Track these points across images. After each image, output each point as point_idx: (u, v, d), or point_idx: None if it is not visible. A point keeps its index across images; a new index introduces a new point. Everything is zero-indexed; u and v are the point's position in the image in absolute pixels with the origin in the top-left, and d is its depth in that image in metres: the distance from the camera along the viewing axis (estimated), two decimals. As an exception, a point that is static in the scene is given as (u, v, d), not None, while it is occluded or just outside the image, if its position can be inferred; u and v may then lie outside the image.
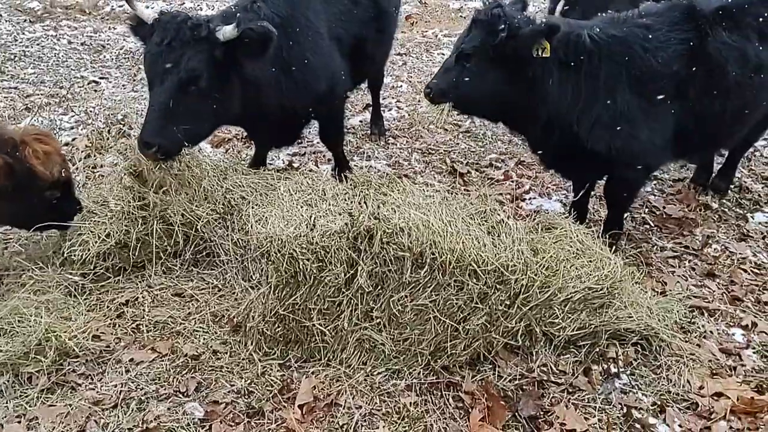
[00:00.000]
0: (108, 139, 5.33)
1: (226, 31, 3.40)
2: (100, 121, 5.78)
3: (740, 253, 4.39)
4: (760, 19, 3.86)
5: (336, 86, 4.24)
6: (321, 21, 4.07)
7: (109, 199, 3.76)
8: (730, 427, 3.01)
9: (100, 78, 7.15)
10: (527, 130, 4.05)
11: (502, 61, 3.55)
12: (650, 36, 3.71)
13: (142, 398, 2.99)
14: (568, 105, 3.69)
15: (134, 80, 7.13)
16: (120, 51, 8.06)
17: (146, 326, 3.40)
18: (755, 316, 3.75)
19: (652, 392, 3.19)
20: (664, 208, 4.94)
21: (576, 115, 3.73)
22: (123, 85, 6.98)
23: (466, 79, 3.62)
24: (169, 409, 2.94)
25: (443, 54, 8.56)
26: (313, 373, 3.19)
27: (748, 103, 3.96)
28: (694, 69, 3.72)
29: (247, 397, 3.04)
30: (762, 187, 5.31)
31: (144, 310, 3.50)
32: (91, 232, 3.64)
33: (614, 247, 3.84)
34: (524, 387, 3.17)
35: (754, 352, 3.50)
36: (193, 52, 3.37)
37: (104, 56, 7.91)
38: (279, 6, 3.86)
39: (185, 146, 3.57)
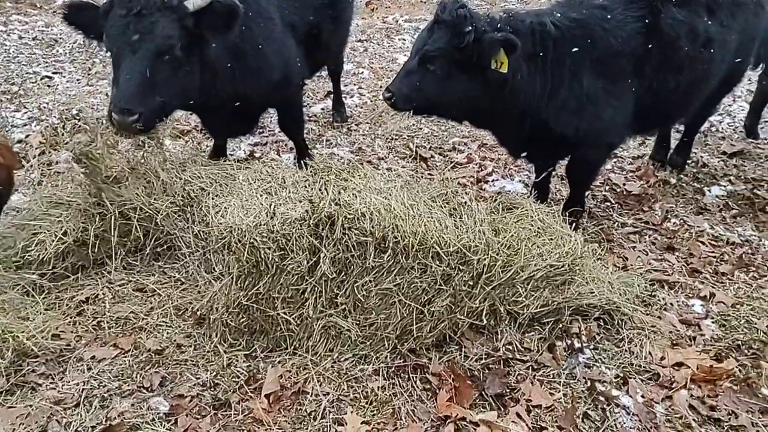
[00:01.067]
0: (63, 135, 5.20)
1: (196, 1, 3.32)
2: (54, 116, 5.64)
3: (698, 227, 4.48)
4: None
5: (291, 74, 4.19)
6: (272, 7, 4.01)
7: (65, 197, 3.67)
8: (691, 395, 3.07)
9: (53, 73, 6.96)
10: (495, 126, 4.02)
11: (468, 63, 3.44)
12: (608, 16, 3.74)
13: (105, 395, 2.94)
14: (538, 95, 3.67)
15: (89, 74, 6.97)
16: (73, 45, 7.84)
17: (108, 323, 3.34)
18: (713, 287, 3.83)
19: (615, 365, 3.25)
20: (624, 185, 5.02)
21: (545, 102, 3.72)
22: (77, 80, 6.81)
23: (431, 82, 3.51)
24: (133, 405, 2.90)
25: (404, 39, 8.54)
26: (279, 362, 3.17)
27: (701, 78, 4.02)
28: (649, 46, 3.76)
29: (213, 389, 3.01)
30: (718, 162, 5.42)
31: (105, 306, 3.43)
32: (48, 231, 3.55)
33: (575, 225, 3.89)
34: (490, 366, 3.19)
35: (712, 322, 3.58)
36: (166, 20, 3.27)
37: (57, 51, 7.70)
38: None
39: (162, 119, 3.45)
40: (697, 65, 3.91)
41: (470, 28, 3.35)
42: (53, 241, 3.53)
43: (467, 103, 3.64)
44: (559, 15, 3.67)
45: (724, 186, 5.04)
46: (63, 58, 7.47)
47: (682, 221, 4.56)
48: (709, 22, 3.88)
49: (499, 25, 3.49)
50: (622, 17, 3.75)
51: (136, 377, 3.04)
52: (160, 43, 3.26)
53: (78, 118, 5.46)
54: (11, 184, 3.51)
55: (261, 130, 5.72)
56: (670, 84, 3.89)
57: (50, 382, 3.01)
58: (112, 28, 3.31)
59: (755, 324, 3.53)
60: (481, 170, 5.21)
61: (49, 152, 4.98)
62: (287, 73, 4.13)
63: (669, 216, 4.59)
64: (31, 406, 2.86)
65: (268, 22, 3.95)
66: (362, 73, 7.33)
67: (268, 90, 4.04)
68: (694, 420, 2.95)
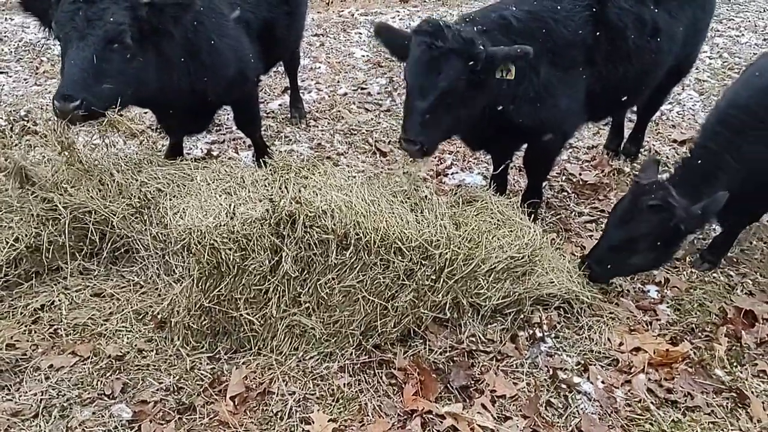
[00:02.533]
0: (11, 137, 5.02)
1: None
2: (2, 118, 5.45)
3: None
4: None
5: (245, 70, 4.13)
6: (225, 3, 3.95)
7: (13, 202, 3.56)
8: (649, 379, 3.17)
9: (-1, 72, 6.74)
10: (470, 125, 3.96)
11: (477, 80, 3.40)
12: (558, 7, 3.79)
13: (65, 405, 2.87)
14: (505, 90, 3.67)
15: (36, 73, 6.75)
16: (19, 43, 7.59)
17: (65, 330, 3.26)
18: (668, 273, 3.94)
19: (576, 353, 3.32)
20: (580, 174, 5.11)
21: (510, 96, 3.73)
22: (24, 80, 6.60)
23: (450, 114, 3.47)
24: (94, 413, 2.84)
25: (360, 33, 8.51)
26: (243, 363, 3.14)
27: (649, 67, 4.12)
28: (598, 35, 3.83)
29: (176, 393, 2.98)
30: (669, 149, 5.57)
31: (61, 313, 3.35)
32: (-2, 237, 3.45)
33: (534, 216, 3.94)
34: (454, 358, 3.23)
35: (667, 307, 3.69)
36: (117, 8, 3.23)
37: (2, 49, 7.44)
38: None
39: (110, 107, 3.36)
40: (645, 54, 4.00)
41: (481, 48, 3.32)
42: (4, 247, 3.42)
43: (473, 115, 3.66)
44: (515, 8, 3.71)
45: (676, 173, 5.17)
46: (8, 57, 7.22)
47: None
48: (657, 11, 3.97)
49: (484, 28, 3.49)
50: (570, 7, 3.81)
51: (97, 385, 2.98)
52: (110, 29, 3.21)
53: (27, 119, 5.29)
54: None
55: (218, 128, 5.64)
56: (620, 73, 3.97)
57: (6, 394, 2.92)
58: (62, 14, 3.24)
59: (708, 307, 3.66)
60: (440, 163, 5.24)
61: (-3, 155, 4.81)
62: (241, 69, 4.08)
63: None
64: (-14, 419, 2.78)
65: (219, 17, 3.90)
66: (319, 67, 7.28)
67: (223, 86, 3.99)
68: (652, 403, 3.04)
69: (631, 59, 3.96)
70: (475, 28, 3.46)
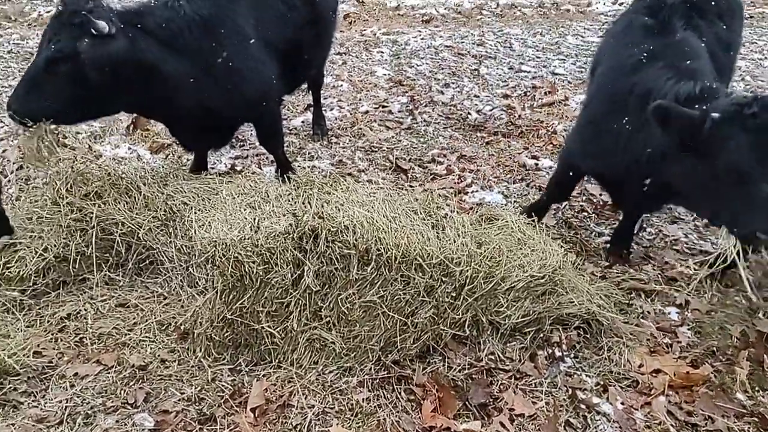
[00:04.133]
0: (42, 150, 5.15)
1: (99, 26, 3.40)
2: (33, 132, 5.57)
3: (673, 236, 4.58)
4: None
5: (268, 91, 4.22)
6: (250, 25, 4.04)
7: (44, 213, 3.65)
8: (669, 401, 3.15)
9: (30, 87, 6.89)
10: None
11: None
12: None
13: (89, 412, 2.92)
14: None
15: (66, 88, 6.90)
16: (50, 58, 7.78)
17: (90, 339, 3.32)
18: (688, 295, 3.92)
19: (595, 373, 3.31)
20: (600, 195, 5.11)
21: None
22: (55, 93, 6.74)
23: None
24: (117, 421, 2.89)
25: (382, 52, 8.61)
26: (264, 375, 3.18)
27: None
28: None
29: (198, 404, 3.01)
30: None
31: (87, 322, 3.41)
32: (28, 247, 3.53)
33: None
34: (473, 376, 3.24)
35: (688, 329, 3.66)
36: (64, 35, 3.41)
37: (33, 64, 7.62)
38: (202, 6, 3.82)
39: (44, 120, 3.57)
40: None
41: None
42: (34, 257, 3.51)
43: None
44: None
45: (697, 195, 5.16)
46: (39, 72, 7.39)
47: (657, 230, 4.67)
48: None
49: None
50: None
51: (120, 393, 3.03)
52: (50, 55, 3.41)
53: (57, 132, 5.41)
54: None
55: (242, 144, 5.73)
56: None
57: (32, 400, 2.98)
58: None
59: (729, 330, 3.63)
60: (461, 181, 5.27)
61: (27, 167, 4.93)
62: (263, 91, 4.16)
63: (644, 225, 4.69)
64: (13, 425, 2.83)
65: (243, 39, 3.99)
66: (341, 85, 7.37)
67: (242, 106, 4.09)
68: (672, 425, 3.01)
69: None
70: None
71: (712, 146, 3.09)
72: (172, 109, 3.92)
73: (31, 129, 3.62)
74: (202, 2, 3.84)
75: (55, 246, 3.55)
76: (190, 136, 4.36)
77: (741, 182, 3.06)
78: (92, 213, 3.58)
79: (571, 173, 4.26)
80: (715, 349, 3.50)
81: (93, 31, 3.37)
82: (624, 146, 3.61)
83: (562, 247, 3.59)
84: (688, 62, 3.56)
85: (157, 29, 3.65)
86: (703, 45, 3.79)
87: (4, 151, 5.19)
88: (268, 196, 3.39)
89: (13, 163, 4.94)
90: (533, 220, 3.71)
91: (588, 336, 3.51)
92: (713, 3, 4.11)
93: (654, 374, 3.30)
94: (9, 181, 4.65)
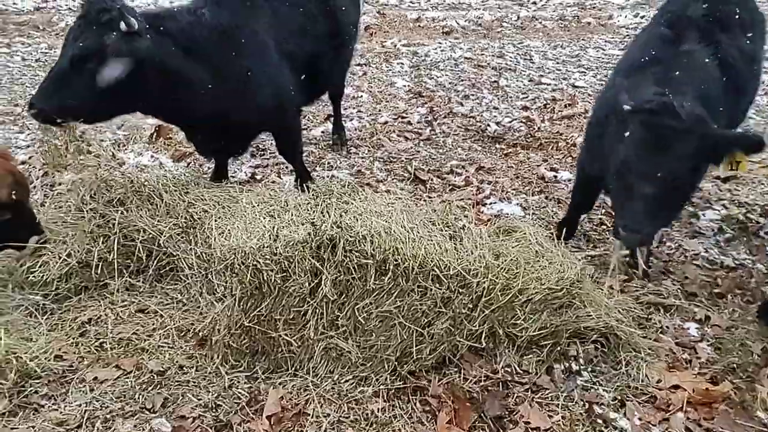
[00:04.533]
0: (66, 156, 5.25)
1: (131, 21, 3.43)
2: (57, 138, 5.68)
3: (693, 250, 4.54)
4: None
5: (284, 101, 4.26)
6: (269, 36, 4.09)
7: (68, 218, 3.72)
8: (687, 418, 3.11)
9: (56, 95, 7.02)
10: None
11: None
12: None
13: (108, 416, 2.96)
14: None
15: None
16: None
17: (110, 344, 3.36)
18: (708, 310, 3.88)
19: (613, 387, 3.28)
20: (620, 208, 5.07)
21: None
22: (80, 102, 6.87)
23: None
24: (135, 426, 2.92)
25: (402, 64, 8.67)
26: (280, 383, 3.19)
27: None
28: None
29: (214, 410, 3.03)
30: (712, 186, 5.50)
31: (107, 327, 3.46)
32: (51, 252, 3.59)
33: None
34: (489, 388, 3.23)
35: (708, 345, 3.62)
36: (90, 33, 3.43)
37: (60, 72, 7.77)
38: (222, 16, 3.89)
39: (69, 119, 3.64)
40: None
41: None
42: (57, 262, 3.58)
43: None
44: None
45: (718, 210, 5.12)
46: (65, 80, 7.54)
47: (677, 245, 4.62)
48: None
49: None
50: None
51: (139, 398, 3.06)
52: (76, 52, 3.43)
53: (81, 139, 5.51)
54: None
55: (262, 153, 5.79)
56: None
57: (53, 404, 3.02)
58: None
59: (750, 347, 3.57)
60: (479, 193, 5.27)
61: (53, 174, 5.02)
62: (279, 101, 4.20)
63: (664, 239, 4.65)
64: (33, 427, 2.87)
65: (262, 49, 4.04)
66: (361, 96, 7.43)
67: (258, 115, 4.14)
68: (690, 442, 2.98)
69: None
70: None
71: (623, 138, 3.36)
72: (188, 113, 3.96)
73: (55, 130, 3.67)
74: (223, 11, 3.92)
75: (78, 251, 3.61)
76: (207, 143, 4.41)
77: (620, 176, 3.35)
78: (115, 219, 3.64)
79: (585, 179, 4.29)
80: (735, 365, 3.45)
81: (123, 26, 3.40)
82: (609, 146, 3.64)
83: (580, 260, 3.58)
84: (677, 72, 3.58)
85: (179, 34, 3.71)
86: (712, 59, 3.77)
87: (30, 158, 5.30)
88: (287, 205, 3.41)
89: (39, 170, 5.04)
90: (551, 233, 3.69)
91: (605, 350, 3.48)
92: (737, 17, 4.08)
93: (672, 390, 3.26)
94: (34, 187, 4.74)
